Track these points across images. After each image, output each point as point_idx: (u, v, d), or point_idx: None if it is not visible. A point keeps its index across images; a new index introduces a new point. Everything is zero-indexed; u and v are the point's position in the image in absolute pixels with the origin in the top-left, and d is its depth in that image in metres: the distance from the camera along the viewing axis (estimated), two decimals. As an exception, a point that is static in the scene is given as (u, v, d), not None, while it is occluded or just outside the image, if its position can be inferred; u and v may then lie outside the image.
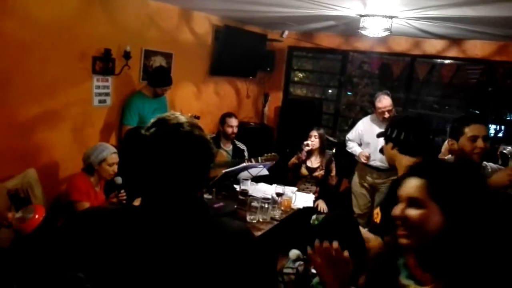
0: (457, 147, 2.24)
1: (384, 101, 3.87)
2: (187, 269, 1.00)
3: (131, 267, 1.01)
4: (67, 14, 3.18)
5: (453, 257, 1.05)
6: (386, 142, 2.02)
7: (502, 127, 6.46)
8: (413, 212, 1.11)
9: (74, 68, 3.33)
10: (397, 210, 1.15)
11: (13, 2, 2.80)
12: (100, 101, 3.59)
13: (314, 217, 2.30)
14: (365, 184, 4.16)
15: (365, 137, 4.08)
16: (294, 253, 2.34)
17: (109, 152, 2.87)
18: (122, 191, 2.92)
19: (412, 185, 1.14)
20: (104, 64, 3.49)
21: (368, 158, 3.96)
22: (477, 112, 5.12)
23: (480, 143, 2.15)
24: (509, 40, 4.32)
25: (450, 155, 2.48)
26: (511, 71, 4.77)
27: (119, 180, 2.94)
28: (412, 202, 1.13)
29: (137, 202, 3.04)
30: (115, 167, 2.90)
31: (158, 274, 1.00)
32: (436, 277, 1.07)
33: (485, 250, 1.05)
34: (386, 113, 3.87)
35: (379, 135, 2.19)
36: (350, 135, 4.29)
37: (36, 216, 2.25)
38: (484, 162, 2.29)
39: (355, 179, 4.29)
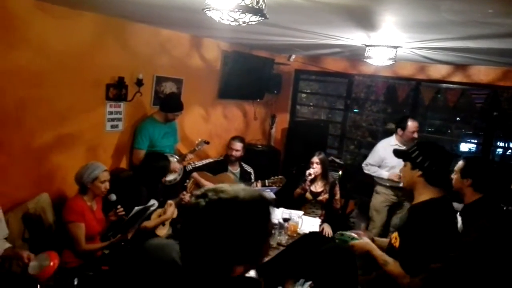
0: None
1: (415, 123, 4.16)
2: None
3: None
4: (82, 44, 3.32)
5: None
6: (413, 167, 2.01)
7: (511, 145, 6.50)
8: None
9: (88, 95, 3.45)
10: None
11: (29, 34, 2.94)
12: (112, 126, 3.71)
13: (337, 233, 2.28)
14: (388, 204, 4.34)
15: (388, 161, 4.20)
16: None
17: (101, 170, 2.95)
18: (119, 206, 3.02)
19: None
20: (117, 91, 3.62)
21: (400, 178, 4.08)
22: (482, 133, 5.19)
23: None
24: (512, 66, 4.39)
25: None
26: (516, 96, 4.84)
27: (113, 197, 3.04)
28: None
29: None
30: (107, 184, 2.98)
31: None
32: None
33: None
34: (416, 133, 4.13)
35: (398, 154, 2.20)
36: (370, 160, 4.43)
37: (51, 264, 2.32)
38: None
39: (378, 199, 4.41)
